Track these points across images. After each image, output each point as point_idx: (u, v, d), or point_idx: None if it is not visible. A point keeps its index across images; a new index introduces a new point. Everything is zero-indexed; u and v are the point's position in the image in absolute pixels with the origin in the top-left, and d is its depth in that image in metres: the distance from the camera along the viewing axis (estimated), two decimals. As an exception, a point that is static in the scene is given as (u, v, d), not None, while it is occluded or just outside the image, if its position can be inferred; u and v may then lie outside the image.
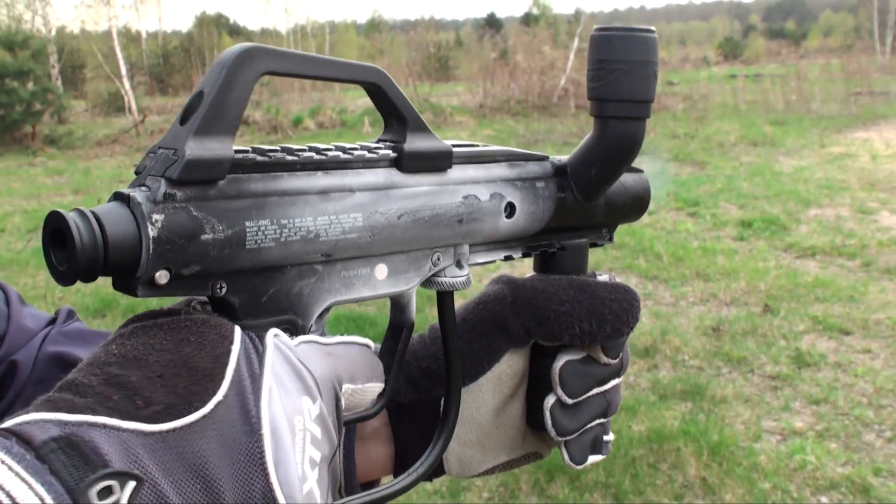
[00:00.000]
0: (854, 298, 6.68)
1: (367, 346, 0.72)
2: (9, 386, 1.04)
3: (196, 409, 0.57)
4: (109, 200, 0.64)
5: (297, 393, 0.62)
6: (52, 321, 1.14)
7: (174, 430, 0.55)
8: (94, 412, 0.54)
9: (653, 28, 0.85)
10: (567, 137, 16.89)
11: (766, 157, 13.29)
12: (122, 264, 0.61)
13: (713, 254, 8.07)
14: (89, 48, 30.25)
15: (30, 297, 7.04)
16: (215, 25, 46.59)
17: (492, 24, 58.06)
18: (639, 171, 0.98)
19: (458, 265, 0.83)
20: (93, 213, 0.60)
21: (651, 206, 1.00)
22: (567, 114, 20.64)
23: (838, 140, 15.35)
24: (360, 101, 22.27)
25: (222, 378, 0.59)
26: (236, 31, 61.45)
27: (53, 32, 26.85)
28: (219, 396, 0.58)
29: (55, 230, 0.61)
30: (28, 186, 13.61)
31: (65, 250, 0.60)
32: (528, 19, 51.04)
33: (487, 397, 0.92)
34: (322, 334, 0.74)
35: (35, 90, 18.61)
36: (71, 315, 1.16)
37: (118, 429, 0.53)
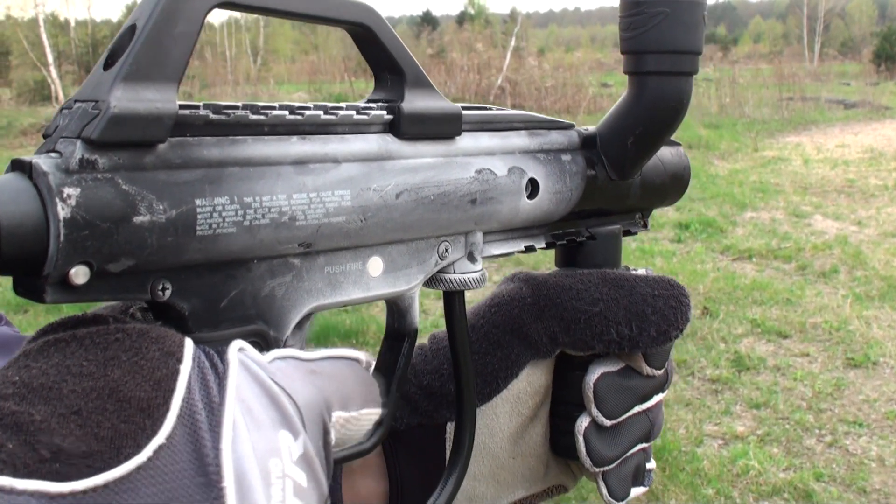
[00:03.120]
0: (791, 301, 6.70)
1: (358, 361, 0.56)
2: None
3: (127, 458, 0.40)
4: (7, 172, 0.47)
5: (273, 426, 0.46)
6: None
7: (94, 489, 0.39)
8: None
9: None
10: (504, 136, 16.86)
11: (701, 159, 13.38)
12: (20, 258, 0.44)
13: (651, 255, 8.05)
14: (15, 35, 29.49)
15: (-54, 291, 6.75)
16: (147, 15, 45.77)
17: (428, 21, 58.11)
18: (676, 143, 0.83)
19: (471, 258, 0.68)
20: None
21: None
22: (503, 113, 20.62)
23: (771, 144, 15.55)
24: (295, 95, 22.02)
25: (166, 411, 0.43)
26: (168, 22, 60.53)
27: (-23, 18, 26.08)
28: (160, 438, 0.41)
29: None
30: (-52, 176, 13.17)
31: None
32: (463, 18, 51.18)
33: (503, 421, 0.76)
34: (301, 349, 0.57)
35: (-43, 76, 18.03)
36: None
37: (11, 491, 0.37)
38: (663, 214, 9.62)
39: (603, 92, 24.20)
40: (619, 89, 25.00)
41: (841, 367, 5.49)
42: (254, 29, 44.30)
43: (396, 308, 0.67)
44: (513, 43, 24.31)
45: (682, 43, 0.70)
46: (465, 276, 0.68)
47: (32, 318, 6.35)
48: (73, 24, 42.19)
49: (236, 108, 0.54)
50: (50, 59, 23.66)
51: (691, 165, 0.84)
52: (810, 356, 5.69)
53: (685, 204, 10.10)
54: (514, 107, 20.68)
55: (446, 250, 0.66)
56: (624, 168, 0.76)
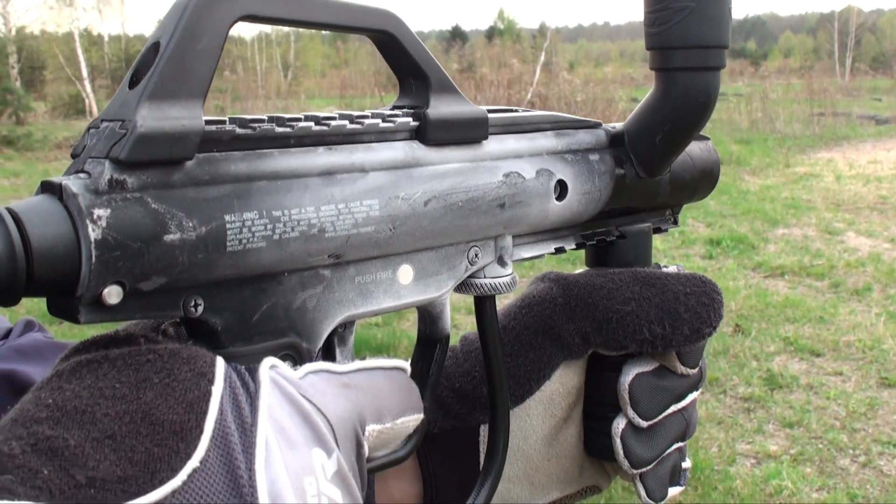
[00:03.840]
0: (824, 319, 6.64)
1: (398, 369, 0.55)
2: None
3: (162, 482, 0.41)
4: (37, 194, 0.47)
5: (307, 445, 0.46)
6: (7, 334, 0.99)
7: None
8: (12, 495, 0.38)
9: None
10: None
11: (732, 175, 13.29)
12: (53, 279, 0.45)
13: (682, 272, 8.00)
14: (50, 50, 29.82)
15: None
16: (179, 30, 46.09)
17: (457, 36, 58.18)
18: (705, 137, 0.83)
19: (501, 262, 0.68)
20: (9, 210, 0.45)
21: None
22: (533, 127, 20.58)
23: (803, 160, 15.43)
24: (326, 109, 22.11)
25: (199, 434, 0.43)
26: (200, 37, 60.93)
27: (13, 33, 26.40)
28: (194, 461, 0.42)
29: None
30: (-16, 188, 13.31)
31: None
32: (492, 33, 51.22)
33: (536, 423, 0.76)
34: (347, 361, 0.57)
35: (-7, 91, 18.26)
36: (30, 326, 0.99)
37: None
38: (694, 231, 9.57)
39: (633, 106, 24.08)
40: (648, 104, 24.90)
41: (875, 387, 5.43)
42: (284, 44, 44.58)
43: (428, 315, 0.67)
44: (542, 58, 24.30)
45: (708, 38, 0.69)
46: (496, 280, 0.68)
47: (67, 329, 6.41)
48: (106, 38, 42.64)
49: (262, 121, 0.54)
50: (84, 73, 23.92)
51: (722, 181, 0.84)
52: (843, 375, 5.64)
53: (716, 220, 10.05)
54: (543, 122, 20.65)
55: (476, 255, 0.66)
56: (653, 165, 0.76)
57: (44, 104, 26.55)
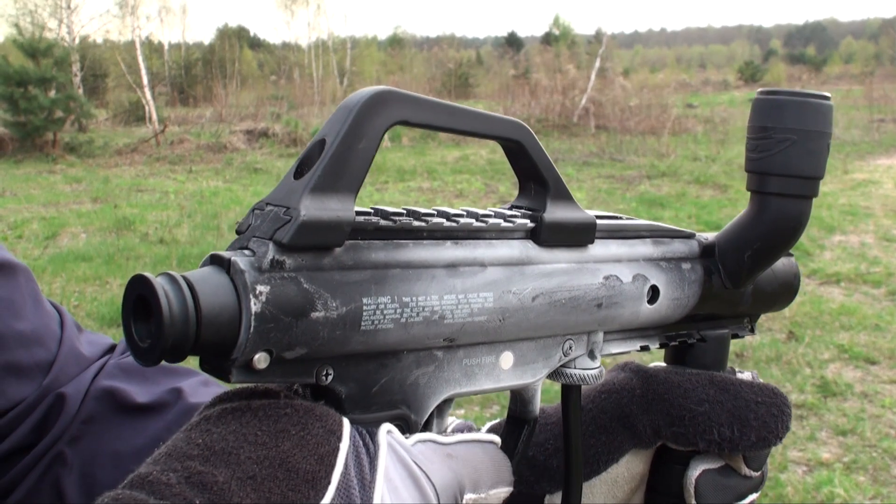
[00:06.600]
0: (880, 327, 6.55)
1: (492, 443, 0.62)
2: (54, 421, 0.93)
3: None
4: (204, 264, 0.53)
5: None
6: (112, 348, 1.05)
7: None
8: None
9: (828, 94, 0.74)
10: (587, 157, 16.80)
11: (788, 181, 13.14)
12: (214, 343, 0.51)
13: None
14: (112, 57, 30.41)
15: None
16: (237, 38, 46.76)
17: (512, 42, 58.16)
18: (789, 253, 0.87)
19: (591, 355, 0.73)
20: (185, 278, 0.50)
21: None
22: (587, 133, 20.54)
23: (861, 167, 15.21)
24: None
25: (327, 484, 0.50)
26: (257, 44, 61.73)
27: (77, 41, 26.97)
28: None
29: (139, 297, 0.50)
30: (47, 193, 13.60)
31: (149, 322, 0.50)
32: (548, 39, 51.11)
33: (598, 501, 0.80)
34: (442, 432, 0.64)
35: (57, 98, 18.62)
36: None
37: None
38: (749, 237, 9.48)
39: (688, 113, 23.94)
40: (704, 110, 24.69)
41: (931, 396, 5.35)
42: (341, 51, 44.94)
43: (520, 397, 0.72)
44: (598, 64, 24.22)
45: (806, 169, 0.73)
46: (585, 372, 0.72)
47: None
48: (167, 46, 43.35)
49: (401, 214, 0.60)
50: (145, 80, 24.34)
51: None
52: (900, 383, 5.56)
53: (771, 227, 9.95)
54: (597, 127, 20.63)
55: (570, 348, 0.71)
56: (739, 279, 0.80)
57: (105, 111, 27.07)
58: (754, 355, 6.03)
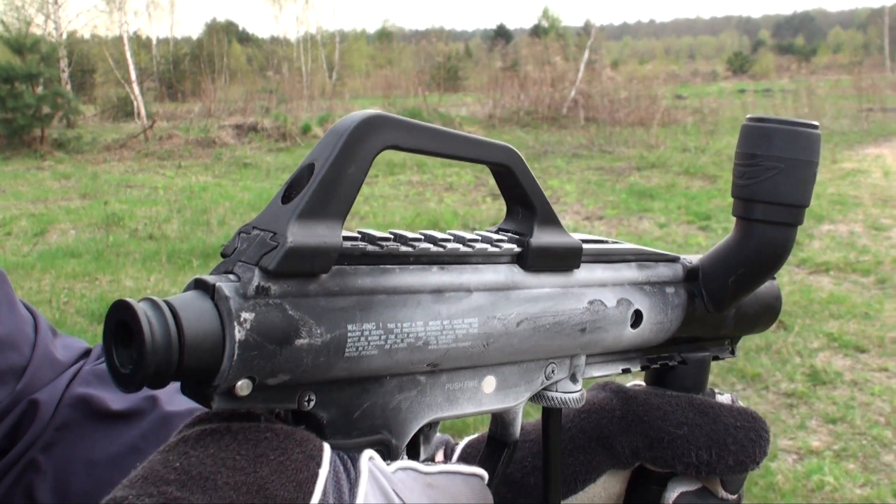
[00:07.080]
0: (869, 316, 6.58)
1: (476, 476, 0.62)
2: (27, 428, 0.92)
3: None
4: (188, 288, 0.53)
5: None
6: (87, 353, 1.04)
7: None
8: None
9: (816, 123, 0.74)
10: (576, 149, 16.80)
11: (777, 171, 13.18)
12: (197, 369, 0.50)
13: (725, 268, 7.96)
14: (100, 53, 30.31)
15: (34, 301, 6.97)
16: (225, 33, 46.63)
17: (501, 35, 58.15)
18: (772, 277, 0.87)
19: (573, 378, 0.73)
20: (168, 304, 0.49)
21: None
22: (577, 125, 20.54)
23: (850, 156, 15.26)
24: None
25: None
26: (246, 39, 61.56)
27: (65, 37, 26.85)
28: None
29: (120, 322, 0.49)
30: (35, 190, 13.56)
31: (130, 349, 0.49)
32: (537, 31, 51.11)
33: None
34: (427, 459, 0.64)
35: (44, 94, 18.52)
36: None
37: None
38: (738, 227, 9.51)
39: (677, 104, 23.96)
40: (693, 101, 24.70)
41: (921, 383, 5.38)
42: (330, 45, 44.85)
43: (501, 420, 0.72)
44: (586, 55, 24.22)
45: (792, 197, 0.74)
46: (566, 395, 0.72)
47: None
48: (155, 41, 43.20)
49: (388, 238, 0.60)
50: (133, 76, 24.25)
51: None
52: (889, 371, 5.59)
53: (761, 217, 9.98)
54: (587, 119, 20.62)
55: (552, 371, 0.71)
56: (722, 303, 0.80)
57: (93, 107, 26.98)
58: (744, 345, 6.04)
